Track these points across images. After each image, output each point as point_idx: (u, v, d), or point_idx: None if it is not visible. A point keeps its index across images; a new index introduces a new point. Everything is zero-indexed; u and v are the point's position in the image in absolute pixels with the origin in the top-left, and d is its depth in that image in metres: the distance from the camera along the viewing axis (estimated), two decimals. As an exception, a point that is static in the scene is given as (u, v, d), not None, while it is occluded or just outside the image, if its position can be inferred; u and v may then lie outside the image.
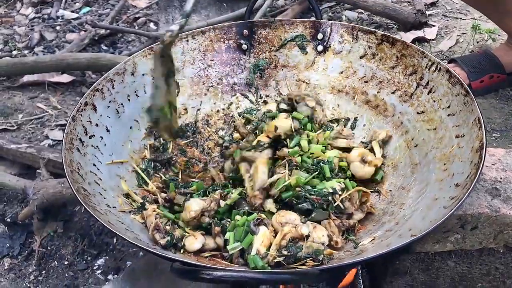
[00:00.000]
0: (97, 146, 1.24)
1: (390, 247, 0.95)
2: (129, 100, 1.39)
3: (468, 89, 1.20)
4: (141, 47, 2.74)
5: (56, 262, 1.62)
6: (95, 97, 1.31)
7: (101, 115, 1.30)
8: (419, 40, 2.62)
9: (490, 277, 1.32)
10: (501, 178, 1.25)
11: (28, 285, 1.56)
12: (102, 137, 1.27)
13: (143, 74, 1.44)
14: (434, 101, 1.29)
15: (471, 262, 1.29)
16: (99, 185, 1.15)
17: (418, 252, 1.28)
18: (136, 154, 1.33)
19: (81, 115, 1.25)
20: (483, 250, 1.27)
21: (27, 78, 2.47)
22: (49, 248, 1.66)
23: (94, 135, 1.26)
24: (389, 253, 0.90)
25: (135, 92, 1.41)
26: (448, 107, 1.24)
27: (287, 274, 0.82)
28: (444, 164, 1.15)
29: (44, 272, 1.59)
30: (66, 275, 1.58)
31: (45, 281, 1.57)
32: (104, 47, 2.92)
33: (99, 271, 1.59)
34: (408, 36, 2.65)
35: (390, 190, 1.24)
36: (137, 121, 1.39)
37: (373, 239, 1.08)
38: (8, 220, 1.69)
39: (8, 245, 1.66)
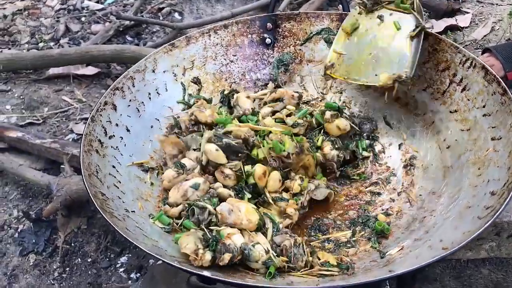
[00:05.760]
0: (117, 147, 1.22)
1: (420, 260, 0.90)
2: (150, 98, 1.36)
3: (507, 88, 1.12)
4: (166, 39, 2.71)
5: (79, 259, 1.62)
6: (115, 96, 1.28)
7: (121, 115, 1.28)
8: (452, 28, 2.51)
9: (526, 285, 1.26)
10: (540, 183, 1.17)
11: (52, 282, 1.56)
12: (122, 138, 1.25)
13: (164, 71, 1.41)
14: (468, 100, 1.22)
15: (507, 270, 1.23)
16: (118, 188, 1.13)
17: (449, 259, 1.22)
18: (157, 154, 1.30)
19: (101, 115, 1.23)
20: (519, 258, 1.21)
21: (52, 70, 2.48)
22: (72, 244, 1.66)
23: (114, 136, 1.23)
24: (420, 268, 0.85)
25: (156, 90, 1.39)
26: (484, 106, 1.17)
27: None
28: (479, 169, 1.08)
29: (68, 269, 1.60)
30: (90, 272, 1.58)
31: (69, 278, 1.57)
32: (129, 38, 2.91)
33: (122, 269, 1.58)
34: (440, 24, 2.54)
35: (420, 195, 1.18)
36: (158, 120, 1.36)
37: (401, 249, 1.02)
38: (33, 216, 1.69)
39: (33, 241, 1.66)
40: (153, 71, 1.39)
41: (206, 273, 0.89)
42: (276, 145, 1.15)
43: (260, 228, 1.07)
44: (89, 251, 1.64)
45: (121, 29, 2.90)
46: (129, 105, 1.31)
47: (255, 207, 1.10)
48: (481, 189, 1.02)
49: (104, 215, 0.95)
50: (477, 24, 2.59)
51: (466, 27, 2.56)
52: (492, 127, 1.12)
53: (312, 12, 1.49)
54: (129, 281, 1.54)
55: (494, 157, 1.06)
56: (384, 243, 1.09)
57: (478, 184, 1.05)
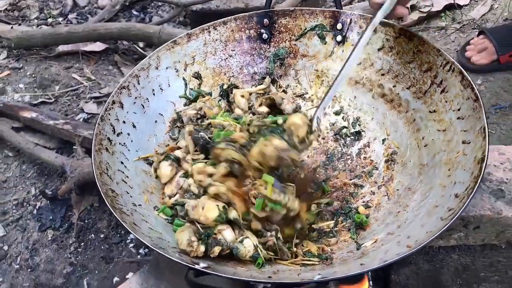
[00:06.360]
0: (124, 143, 1.34)
1: (388, 255, 1.03)
2: (154, 94, 1.47)
3: (478, 94, 1.22)
4: (171, 15, 2.79)
5: (93, 235, 1.78)
6: (122, 95, 1.39)
7: (127, 112, 1.39)
8: (450, 7, 2.56)
9: (493, 268, 1.39)
10: (507, 179, 1.28)
11: (69, 256, 1.73)
12: (129, 134, 1.37)
13: (166, 68, 1.51)
14: (446, 102, 1.31)
15: (474, 255, 1.36)
16: (126, 183, 1.26)
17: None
18: (161, 147, 1.43)
19: (109, 114, 1.34)
20: (486, 245, 1.34)
21: (62, 47, 2.58)
22: (86, 221, 1.81)
23: (121, 133, 1.35)
24: (385, 266, 0.98)
25: (160, 86, 1.49)
26: (459, 109, 1.26)
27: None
28: (449, 170, 1.19)
29: (82, 244, 1.76)
30: (102, 247, 1.74)
31: (84, 252, 1.74)
32: (135, 12, 2.99)
33: (131, 245, 1.74)
34: (440, 2, 2.58)
35: (397, 189, 1.30)
36: (161, 115, 1.47)
37: (375, 241, 1.16)
38: (50, 194, 1.84)
39: (50, 217, 1.82)
40: (157, 68, 1.49)
41: (202, 264, 1.03)
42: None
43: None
44: (101, 227, 1.80)
45: (127, 3, 2.97)
46: (134, 102, 1.42)
47: (219, 205, 1.15)
48: (448, 190, 1.14)
49: (114, 213, 1.09)
50: (477, 1, 2.62)
51: (466, 5, 2.60)
52: (464, 131, 1.22)
53: (306, 9, 1.57)
54: (138, 256, 1.71)
55: (463, 160, 1.17)
56: (362, 234, 1.22)
57: (446, 185, 1.16)
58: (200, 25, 2.08)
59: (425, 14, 2.57)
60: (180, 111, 1.48)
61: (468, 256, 1.36)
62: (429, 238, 1.00)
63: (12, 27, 2.73)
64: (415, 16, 2.60)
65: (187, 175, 1.30)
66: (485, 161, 1.08)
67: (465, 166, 1.15)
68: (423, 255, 1.37)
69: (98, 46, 2.64)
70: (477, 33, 2.26)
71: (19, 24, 2.82)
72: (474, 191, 1.04)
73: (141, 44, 2.70)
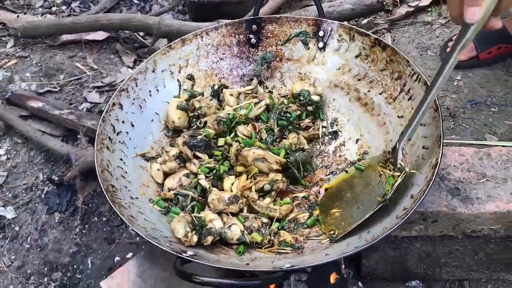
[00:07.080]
0: (123, 142, 1.50)
1: (349, 247, 1.20)
2: (150, 95, 1.62)
3: (438, 104, 1.36)
4: (170, 6, 2.91)
5: (96, 218, 1.95)
6: (121, 97, 1.54)
7: (126, 112, 1.54)
8: (437, 2, 2.66)
9: (452, 255, 1.56)
10: (463, 179, 1.44)
11: (75, 237, 1.91)
12: (127, 132, 1.53)
13: (162, 70, 1.66)
14: (412, 108, 1.45)
15: (434, 244, 1.53)
16: (125, 178, 1.42)
17: (388, 235, 1.51)
18: (157, 144, 1.59)
19: (110, 115, 1.50)
20: (444, 236, 1.50)
21: (66, 37, 2.71)
22: (90, 205, 1.99)
23: (121, 132, 1.51)
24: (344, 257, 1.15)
25: (156, 87, 1.64)
26: (422, 117, 1.41)
27: (257, 280, 1.08)
28: (410, 172, 1.35)
29: (86, 226, 1.94)
30: (104, 229, 1.92)
31: (88, 234, 1.92)
32: (136, 1, 3.10)
33: (131, 227, 1.91)
34: (427, -3, 2.69)
35: (366, 187, 1.46)
36: (157, 114, 1.63)
37: (341, 233, 1.32)
38: (56, 179, 2.01)
39: (57, 201, 2.00)
40: (153, 71, 1.64)
41: (189, 252, 1.20)
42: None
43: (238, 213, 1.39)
44: (103, 211, 1.97)
45: (128, -8, 3.09)
46: (133, 103, 1.57)
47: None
48: (407, 190, 1.30)
49: (114, 207, 1.26)
50: (463, -4, 2.72)
51: (451, 1, 2.70)
52: (425, 137, 1.37)
53: (291, 17, 1.71)
54: (137, 238, 1.89)
55: (421, 163, 1.32)
56: (331, 226, 1.39)
57: (407, 185, 1.32)
58: (198, 14, 2.19)
59: (413, 9, 2.68)
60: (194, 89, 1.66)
61: (429, 244, 1.53)
62: (384, 234, 1.17)
63: (18, 16, 2.86)
64: (403, 10, 2.71)
65: (189, 174, 1.46)
66: (437, 167, 1.23)
67: (422, 169, 1.30)
68: (389, 243, 1.54)
69: (100, 35, 2.77)
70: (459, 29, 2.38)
71: (25, 13, 2.94)
72: (425, 194, 1.19)
73: (141, 33, 2.83)
